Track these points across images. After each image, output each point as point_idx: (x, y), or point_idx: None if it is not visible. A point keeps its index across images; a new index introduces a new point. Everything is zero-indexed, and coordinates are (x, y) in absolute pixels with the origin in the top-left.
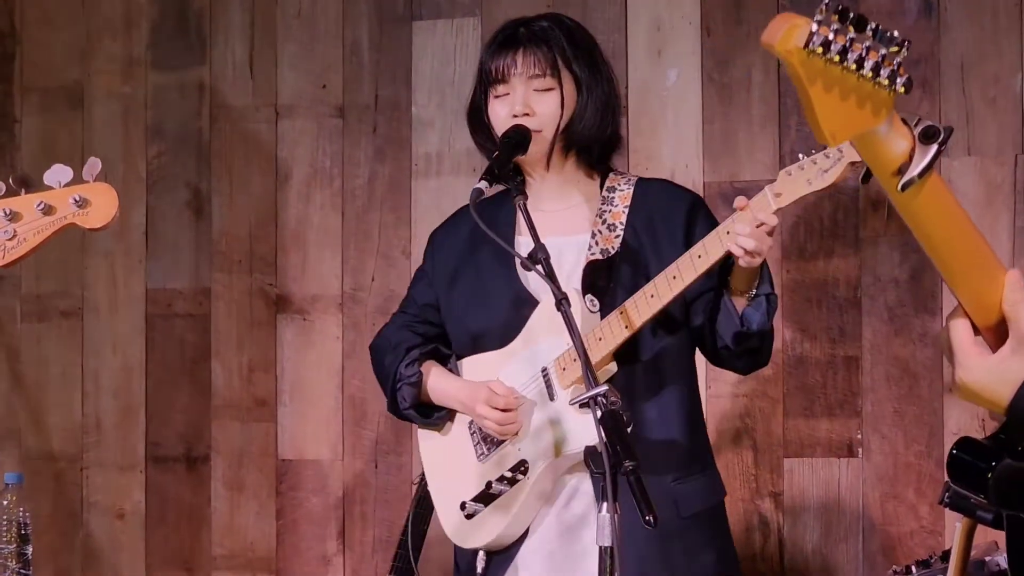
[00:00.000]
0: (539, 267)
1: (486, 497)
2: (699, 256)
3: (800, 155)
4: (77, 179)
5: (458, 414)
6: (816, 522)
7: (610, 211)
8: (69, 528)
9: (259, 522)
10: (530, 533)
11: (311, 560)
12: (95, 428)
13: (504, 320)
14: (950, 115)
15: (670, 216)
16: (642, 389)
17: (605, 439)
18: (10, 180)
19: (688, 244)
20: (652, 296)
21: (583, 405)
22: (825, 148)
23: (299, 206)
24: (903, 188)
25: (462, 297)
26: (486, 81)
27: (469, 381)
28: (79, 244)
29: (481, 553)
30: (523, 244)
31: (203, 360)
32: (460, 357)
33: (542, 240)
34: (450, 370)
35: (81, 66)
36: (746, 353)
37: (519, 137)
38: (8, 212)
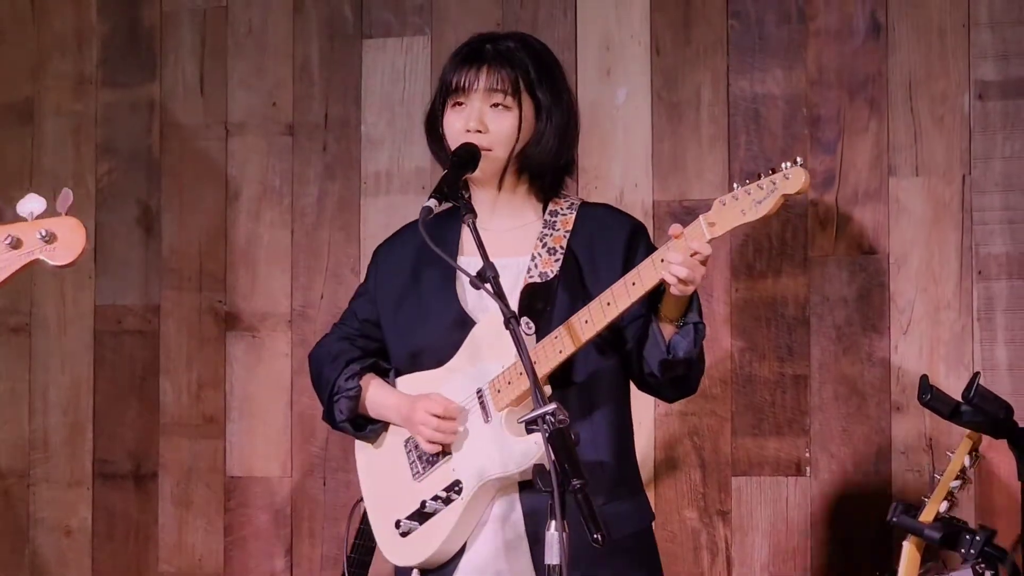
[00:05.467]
0: (488, 285)
1: (420, 515)
2: (633, 283)
3: (735, 184)
4: (51, 210)
5: (394, 429)
6: (764, 540)
7: (551, 235)
8: (16, 544)
9: (207, 539)
10: (467, 550)
11: None
12: (43, 444)
13: (442, 339)
14: (898, 135)
15: (610, 241)
16: (574, 411)
17: (553, 458)
18: None
19: (626, 271)
20: (587, 322)
21: (531, 423)
22: (760, 178)
23: (249, 224)
24: None
25: (404, 315)
26: (445, 91)
27: (408, 394)
28: None
29: (416, 572)
30: (464, 263)
31: (152, 377)
32: (399, 374)
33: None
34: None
35: (31, 82)
36: (672, 381)
37: (468, 156)
38: None
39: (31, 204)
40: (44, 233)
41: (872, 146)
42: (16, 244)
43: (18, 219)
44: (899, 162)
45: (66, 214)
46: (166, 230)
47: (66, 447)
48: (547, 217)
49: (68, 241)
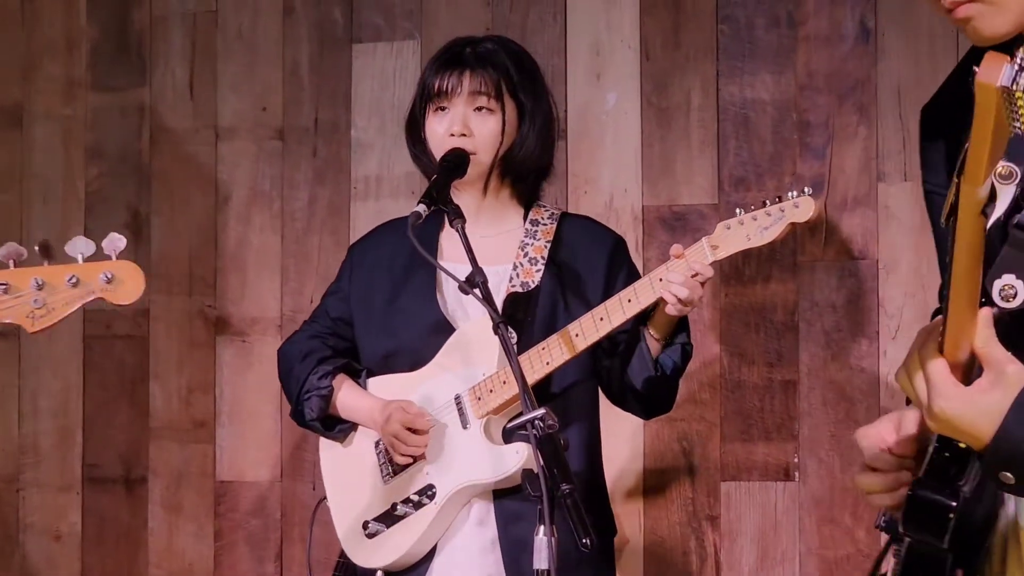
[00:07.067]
0: (477, 291)
1: (390, 518)
2: (629, 300)
3: (739, 210)
4: (98, 251)
5: (362, 430)
6: (753, 546)
7: (532, 244)
8: (5, 550)
9: (197, 544)
10: (438, 553)
11: None
12: (32, 449)
13: (420, 342)
14: (887, 140)
15: (592, 255)
16: None
17: (542, 463)
18: (36, 247)
19: (608, 285)
20: (577, 335)
21: (519, 429)
22: (766, 205)
23: (239, 228)
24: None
25: (380, 316)
26: (427, 96)
27: (381, 399)
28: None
29: (380, 573)
30: (446, 268)
31: (142, 381)
32: (371, 374)
33: (463, 265)
34: (361, 386)
35: (21, 86)
36: (652, 398)
37: (457, 160)
38: (39, 282)
39: (80, 246)
40: (108, 276)
41: (861, 151)
42: (77, 283)
43: (68, 258)
44: (888, 168)
45: (116, 257)
46: (155, 234)
47: (56, 452)
48: (528, 226)
49: (128, 284)
